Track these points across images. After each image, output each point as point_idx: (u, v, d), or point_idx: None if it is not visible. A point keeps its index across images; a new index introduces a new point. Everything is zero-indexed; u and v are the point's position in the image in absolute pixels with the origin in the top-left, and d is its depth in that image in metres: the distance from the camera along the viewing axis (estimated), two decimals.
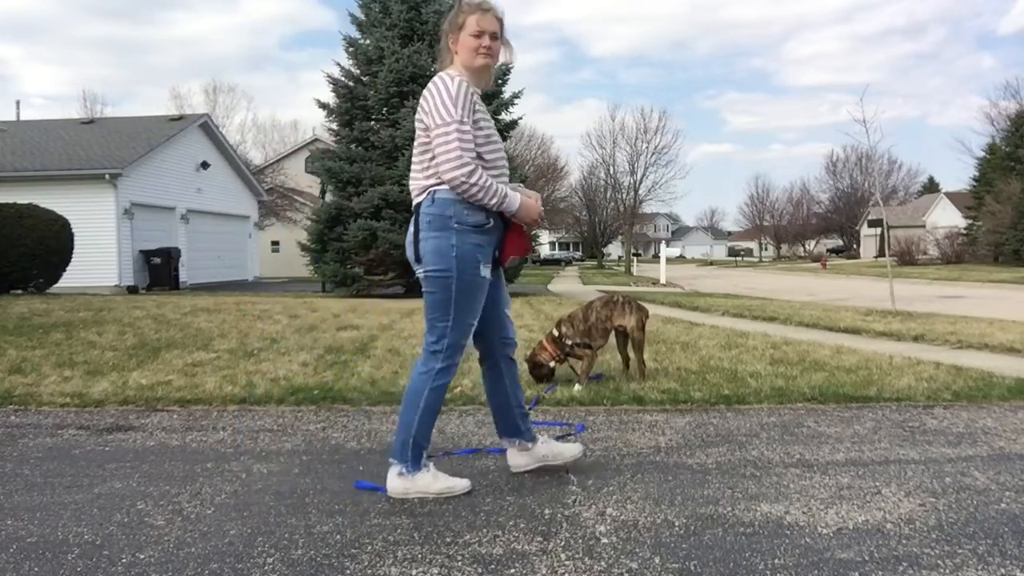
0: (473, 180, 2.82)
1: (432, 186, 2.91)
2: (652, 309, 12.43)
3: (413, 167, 3.03)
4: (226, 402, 4.76)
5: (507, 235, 3.00)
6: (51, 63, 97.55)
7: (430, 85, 2.91)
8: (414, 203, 2.99)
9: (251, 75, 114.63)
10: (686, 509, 2.82)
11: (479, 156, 2.88)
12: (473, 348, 3.29)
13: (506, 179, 3.01)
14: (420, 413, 2.95)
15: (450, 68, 2.99)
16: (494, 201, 2.86)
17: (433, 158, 2.89)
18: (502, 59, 3.09)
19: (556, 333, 5.05)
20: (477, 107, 2.91)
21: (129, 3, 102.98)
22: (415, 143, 3.03)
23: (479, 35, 2.93)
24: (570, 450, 3.28)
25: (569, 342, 5.00)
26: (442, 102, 2.85)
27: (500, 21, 2.99)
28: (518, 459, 3.23)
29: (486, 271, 2.95)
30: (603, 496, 2.97)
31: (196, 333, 7.95)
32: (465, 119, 2.83)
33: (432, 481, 2.93)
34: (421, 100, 2.96)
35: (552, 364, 5.05)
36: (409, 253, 3.00)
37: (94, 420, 4.36)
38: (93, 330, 8.12)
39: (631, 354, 5.33)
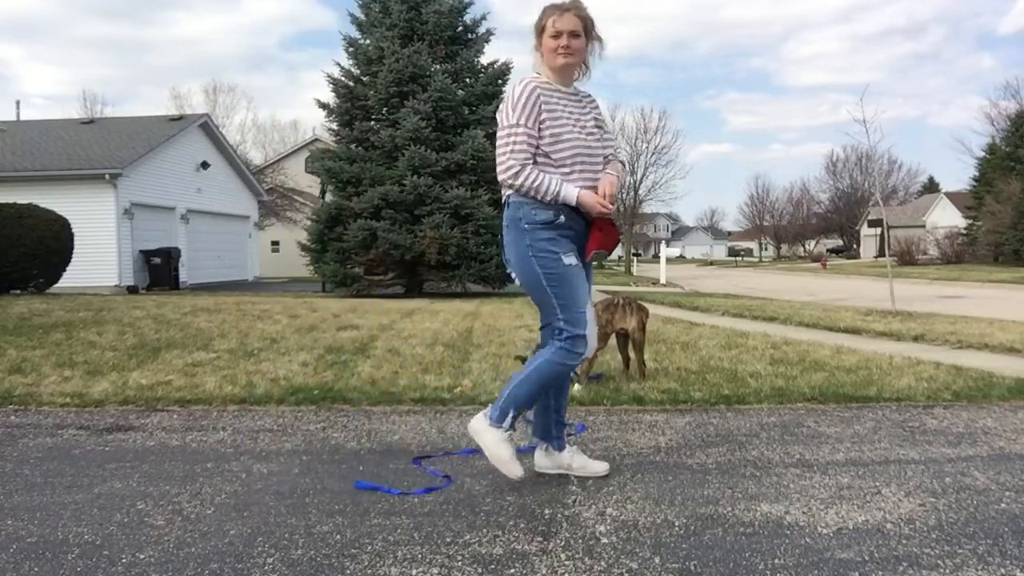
0: (519, 181, 2.95)
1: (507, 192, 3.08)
2: (652, 309, 12.43)
3: None
4: (226, 402, 4.76)
5: (591, 229, 3.05)
6: (51, 63, 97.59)
7: (506, 89, 3.16)
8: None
9: (251, 75, 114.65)
10: (686, 509, 2.82)
11: (546, 156, 2.98)
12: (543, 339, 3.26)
13: (591, 173, 3.04)
14: (531, 382, 3.00)
15: (535, 70, 3.12)
16: (548, 198, 2.95)
17: None
18: (591, 54, 3.13)
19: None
20: (547, 108, 2.99)
21: (129, 3, 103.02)
22: None
23: (557, 36, 3.01)
24: (596, 467, 3.26)
25: None
26: (505, 107, 3.00)
27: (582, 19, 3.06)
28: (542, 460, 3.27)
29: (570, 259, 2.99)
30: (603, 496, 2.97)
31: (196, 333, 7.95)
32: (522, 122, 2.94)
33: (495, 444, 2.98)
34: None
35: None
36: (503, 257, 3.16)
37: (94, 420, 4.36)
38: (93, 330, 8.12)
39: (631, 354, 5.33)
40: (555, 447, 3.23)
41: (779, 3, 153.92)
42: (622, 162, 3.24)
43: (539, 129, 2.97)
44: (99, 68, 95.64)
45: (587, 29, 3.08)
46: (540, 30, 3.07)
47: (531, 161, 2.98)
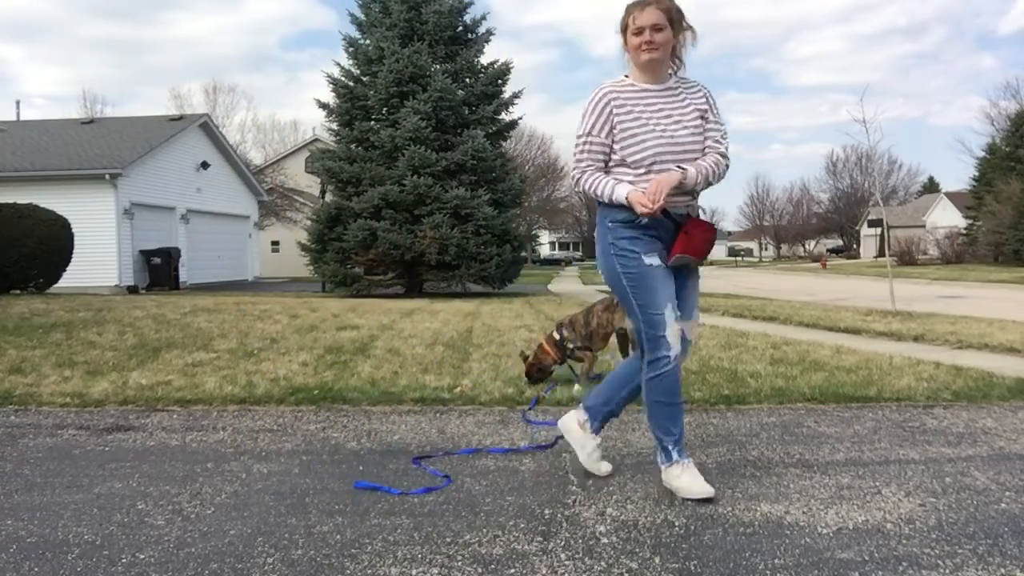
0: (580, 187, 3.08)
1: None
2: None
3: None
4: (226, 402, 4.76)
5: (678, 233, 3.01)
6: (53, 63, 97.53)
7: None
8: None
9: (252, 75, 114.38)
10: (686, 509, 2.82)
11: (621, 160, 3.00)
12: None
13: (669, 168, 2.97)
14: (653, 404, 3.02)
15: (625, 72, 3.12)
16: (604, 199, 3.00)
17: None
18: (681, 45, 3.09)
19: (557, 336, 5.07)
20: (621, 111, 2.99)
21: (131, 4, 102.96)
22: None
23: (639, 32, 2.97)
24: (604, 466, 3.28)
25: (570, 345, 5.03)
26: (581, 115, 3.07)
27: (665, 11, 2.99)
28: (572, 424, 3.30)
29: (652, 259, 2.96)
30: (603, 496, 2.97)
31: (196, 333, 7.95)
32: (587, 131, 3.01)
33: (692, 480, 2.95)
34: None
35: (553, 367, 5.10)
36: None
37: (94, 420, 4.36)
38: (93, 330, 8.12)
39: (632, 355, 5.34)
40: (592, 428, 3.25)
41: (779, 3, 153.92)
42: (721, 154, 3.07)
43: (612, 135, 3.00)
44: (100, 68, 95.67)
45: (672, 20, 3.00)
46: (623, 29, 3.04)
47: (596, 167, 3.03)
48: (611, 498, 2.95)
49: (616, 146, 3.00)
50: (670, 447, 3.00)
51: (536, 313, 11.07)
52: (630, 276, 2.97)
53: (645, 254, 2.96)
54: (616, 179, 2.99)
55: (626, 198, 2.91)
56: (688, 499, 2.90)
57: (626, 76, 3.09)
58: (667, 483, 3.01)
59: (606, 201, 2.98)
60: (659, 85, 3.06)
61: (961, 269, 30.40)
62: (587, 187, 3.03)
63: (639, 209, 2.87)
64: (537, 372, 5.07)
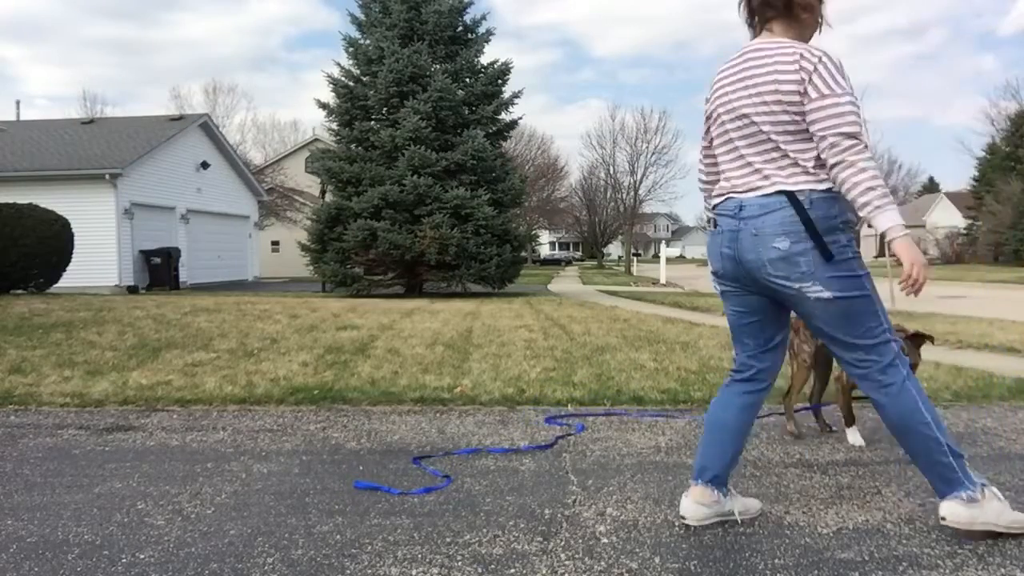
0: (859, 164, 2.41)
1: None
2: (652, 309, 12.47)
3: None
4: (226, 402, 4.76)
5: None
6: (55, 64, 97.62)
7: (814, 59, 2.43)
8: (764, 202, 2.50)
9: (254, 75, 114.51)
10: None
11: None
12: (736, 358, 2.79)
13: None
14: (934, 425, 2.44)
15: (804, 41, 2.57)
16: (874, 205, 2.41)
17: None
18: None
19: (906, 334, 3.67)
20: None
21: (133, 4, 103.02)
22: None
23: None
24: (754, 505, 2.78)
25: (806, 348, 3.84)
26: (828, 73, 2.42)
27: None
28: (701, 510, 2.65)
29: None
30: (603, 496, 2.97)
31: (196, 333, 7.95)
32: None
33: (1001, 511, 2.45)
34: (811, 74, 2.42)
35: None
36: (764, 270, 2.50)
37: (94, 420, 4.36)
38: (93, 330, 8.12)
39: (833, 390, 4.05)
40: (723, 493, 2.68)
41: None
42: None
43: None
44: (102, 69, 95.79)
45: None
46: None
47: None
48: (611, 498, 2.95)
49: None
50: (970, 471, 2.47)
51: (536, 313, 11.07)
52: (869, 280, 2.49)
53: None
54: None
55: (890, 230, 2.37)
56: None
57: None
58: (987, 522, 2.43)
59: (871, 203, 2.34)
60: None
61: (961, 269, 30.39)
62: (863, 164, 2.34)
63: (907, 262, 2.38)
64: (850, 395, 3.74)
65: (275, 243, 34.81)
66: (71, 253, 15.72)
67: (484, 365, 5.88)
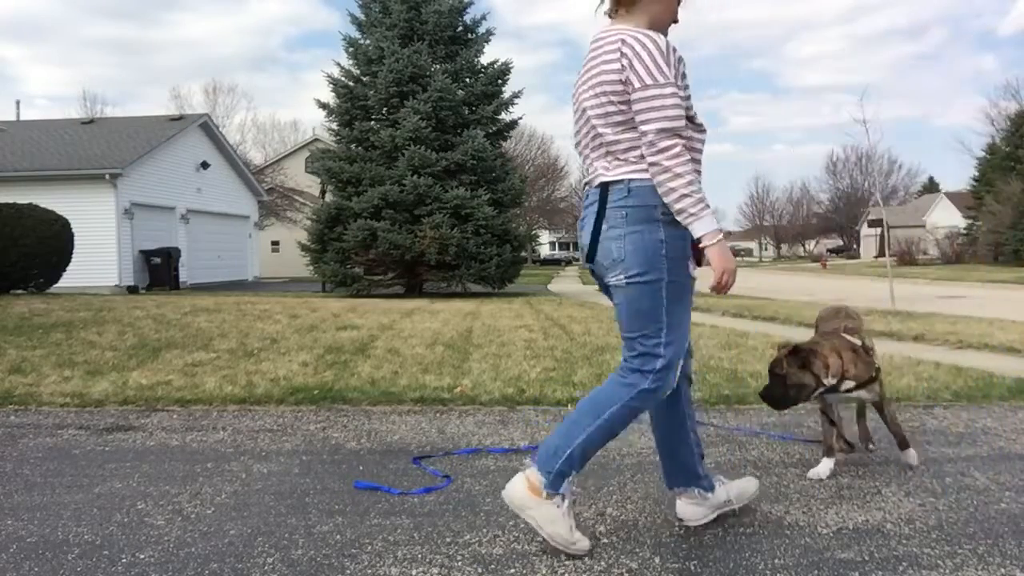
0: (670, 159, 2.33)
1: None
2: None
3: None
4: (226, 402, 4.76)
5: None
6: (55, 64, 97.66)
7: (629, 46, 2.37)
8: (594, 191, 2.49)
9: (254, 76, 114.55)
10: None
11: (690, 120, 2.49)
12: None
13: None
14: (594, 428, 2.40)
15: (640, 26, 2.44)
16: (684, 207, 2.33)
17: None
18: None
19: (855, 340, 3.24)
20: (682, 68, 2.44)
21: (133, 4, 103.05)
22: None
23: None
24: (751, 485, 2.76)
25: (877, 362, 3.26)
26: (648, 57, 2.33)
27: None
28: (693, 510, 2.63)
29: (694, 269, 2.46)
30: (603, 496, 2.97)
31: (196, 333, 7.94)
32: (675, 81, 2.36)
33: (552, 520, 2.37)
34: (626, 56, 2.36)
35: (827, 381, 3.07)
36: (592, 256, 2.49)
37: (94, 420, 4.36)
38: (93, 330, 8.12)
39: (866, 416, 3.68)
40: (705, 487, 2.63)
41: (781, 4, 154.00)
42: None
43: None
44: (102, 69, 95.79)
45: None
46: None
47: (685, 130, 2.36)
48: (611, 498, 2.95)
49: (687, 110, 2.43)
50: (568, 481, 2.40)
51: (536, 313, 11.07)
52: (675, 287, 2.39)
53: (691, 261, 2.43)
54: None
55: (704, 236, 2.31)
56: (549, 540, 2.41)
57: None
58: (534, 517, 2.39)
59: (686, 211, 2.29)
60: None
61: (961, 269, 30.39)
62: (679, 170, 2.28)
63: (717, 269, 2.34)
64: (786, 396, 3.07)
65: (275, 243, 34.83)
66: (71, 253, 15.73)
67: (484, 365, 5.88)
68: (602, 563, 2.36)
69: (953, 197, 55.36)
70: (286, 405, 4.68)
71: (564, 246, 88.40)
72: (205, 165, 24.70)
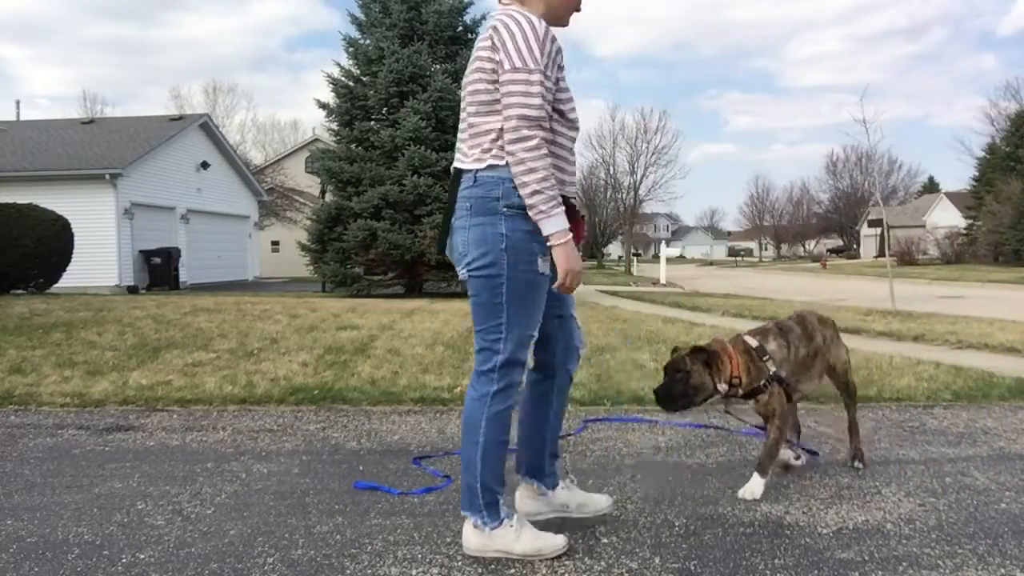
0: (524, 151, 2.27)
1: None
2: (652, 309, 12.47)
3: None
4: (226, 402, 4.76)
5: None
6: (55, 64, 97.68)
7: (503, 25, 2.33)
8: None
9: (255, 76, 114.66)
10: (686, 509, 2.82)
11: (561, 115, 2.45)
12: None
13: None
14: (481, 450, 2.39)
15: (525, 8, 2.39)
16: (535, 203, 2.28)
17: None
18: None
19: (754, 343, 3.01)
20: (559, 57, 2.39)
21: (134, 5, 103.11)
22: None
23: None
24: (599, 501, 2.73)
25: (773, 369, 2.97)
26: (520, 38, 2.29)
27: None
28: (531, 504, 2.66)
29: (545, 265, 2.36)
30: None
31: (196, 333, 7.94)
32: (545, 68, 2.30)
33: (515, 540, 2.38)
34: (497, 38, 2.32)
35: (720, 387, 2.93)
36: (451, 246, 2.46)
37: (94, 420, 4.36)
38: (93, 330, 8.12)
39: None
40: (548, 485, 2.67)
41: (781, 4, 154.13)
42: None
43: (552, 85, 2.34)
44: (103, 69, 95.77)
45: None
46: None
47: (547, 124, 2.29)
48: (611, 498, 2.95)
49: (559, 101, 2.39)
50: (502, 500, 2.42)
51: None
52: (516, 282, 2.32)
53: (541, 257, 2.34)
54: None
55: (552, 236, 2.26)
56: (527, 558, 2.38)
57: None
58: (499, 550, 2.37)
59: (536, 207, 2.24)
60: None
61: (961, 269, 30.39)
62: (534, 164, 2.22)
63: (561, 270, 2.29)
64: (685, 395, 2.92)
65: (275, 243, 34.80)
66: (71, 253, 15.72)
67: None
68: (602, 563, 2.36)
69: (953, 197, 55.32)
70: (286, 405, 4.68)
71: None
72: (205, 165, 24.69)
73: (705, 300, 14.26)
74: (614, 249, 77.73)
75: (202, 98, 45.33)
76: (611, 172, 52.73)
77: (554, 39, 2.33)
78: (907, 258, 37.23)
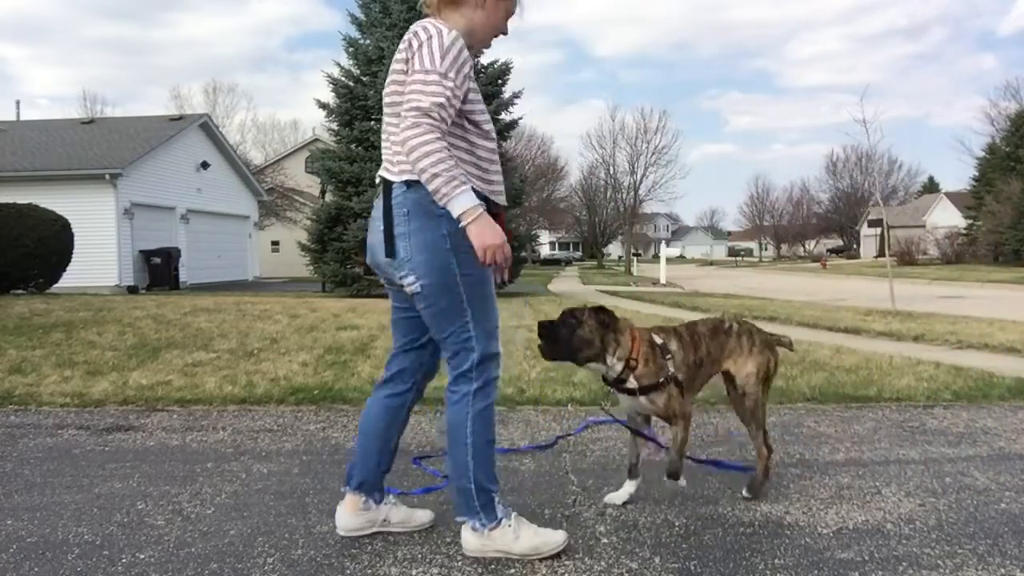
0: (415, 143, 2.22)
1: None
2: (652, 309, 12.46)
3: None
4: (226, 402, 4.76)
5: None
6: (56, 64, 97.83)
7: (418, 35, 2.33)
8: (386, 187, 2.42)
9: (255, 76, 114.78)
10: (686, 509, 2.82)
11: (475, 125, 2.42)
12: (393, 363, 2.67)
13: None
14: (472, 450, 2.38)
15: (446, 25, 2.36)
16: (437, 189, 2.22)
17: None
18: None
19: (660, 340, 2.83)
20: (471, 73, 2.39)
21: (134, 5, 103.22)
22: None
23: (514, 8, 2.53)
24: (420, 516, 2.67)
25: (671, 370, 2.78)
26: (435, 47, 2.29)
27: None
28: (352, 519, 2.57)
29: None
30: (603, 496, 2.97)
31: (196, 333, 7.94)
32: (457, 79, 2.29)
33: (514, 539, 2.38)
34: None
35: (611, 361, 2.73)
36: (379, 256, 2.44)
37: (94, 420, 4.36)
38: (93, 330, 8.12)
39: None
40: (376, 500, 2.61)
41: (781, 4, 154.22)
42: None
43: (464, 99, 2.33)
44: (103, 69, 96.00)
45: None
46: None
47: (445, 131, 2.25)
48: (432, 513, 2.92)
49: (468, 107, 2.36)
50: (497, 499, 2.42)
51: (536, 313, 11.05)
52: (470, 279, 2.34)
53: None
54: (464, 175, 2.26)
55: (462, 215, 2.22)
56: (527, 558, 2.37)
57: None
58: (499, 550, 2.37)
59: (439, 191, 2.20)
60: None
61: (961, 269, 30.39)
62: (427, 147, 2.17)
63: (477, 247, 2.25)
64: (568, 344, 2.71)
65: (275, 243, 34.80)
66: (71, 253, 15.72)
67: None
68: (602, 563, 2.36)
69: (953, 197, 55.33)
70: (286, 405, 4.68)
71: (564, 246, 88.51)
72: (205, 165, 24.69)
73: (705, 300, 14.27)
74: (614, 249, 77.81)
75: (202, 98, 45.33)
76: (611, 172, 52.85)
77: (463, 49, 2.31)
78: (907, 258, 37.24)
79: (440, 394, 4.90)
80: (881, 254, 44.56)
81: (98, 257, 19.12)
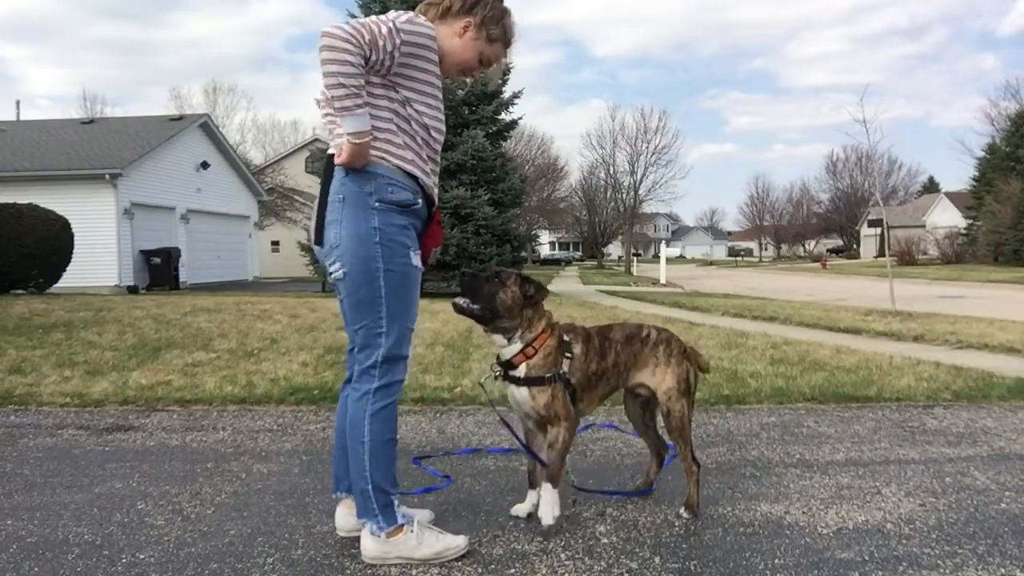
0: (332, 68, 2.19)
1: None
2: (652, 309, 12.46)
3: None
4: (226, 402, 4.76)
5: (430, 224, 2.48)
6: (56, 64, 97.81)
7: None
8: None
9: (255, 76, 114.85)
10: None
11: (403, 97, 2.37)
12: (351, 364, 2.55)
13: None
14: (368, 449, 2.34)
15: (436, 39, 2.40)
16: (346, 114, 2.21)
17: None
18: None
19: (567, 339, 2.69)
20: (435, 67, 2.42)
21: (135, 5, 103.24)
22: None
23: (490, 61, 2.56)
24: (420, 516, 2.59)
25: (564, 370, 2.62)
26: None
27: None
28: (349, 520, 2.54)
29: (417, 259, 2.40)
30: (603, 496, 2.97)
31: (196, 333, 7.94)
32: (399, 34, 2.28)
33: (416, 546, 2.35)
34: None
35: (513, 338, 2.62)
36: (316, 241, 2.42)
37: (94, 420, 4.36)
38: (93, 330, 8.12)
39: (657, 438, 3.06)
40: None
41: (782, 4, 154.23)
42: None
43: (404, 64, 2.31)
44: (103, 69, 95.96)
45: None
46: (488, 35, 2.50)
47: (364, 77, 2.23)
48: (611, 498, 2.95)
49: (405, 81, 2.33)
50: (398, 503, 2.40)
51: None
52: (393, 276, 2.32)
53: (414, 252, 2.38)
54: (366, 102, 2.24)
55: (352, 135, 2.21)
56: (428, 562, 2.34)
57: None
58: (400, 556, 2.33)
59: (340, 103, 2.17)
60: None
61: (961, 269, 30.39)
62: (328, 76, 2.16)
63: (345, 161, 2.26)
64: (485, 300, 2.57)
65: (275, 243, 34.78)
66: (71, 253, 15.72)
67: (484, 365, 5.88)
68: (602, 563, 2.36)
69: (953, 197, 55.30)
70: (286, 405, 4.68)
71: (564, 246, 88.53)
72: (205, 165, 24.68)
73: (705, 300, 14.26)
74: (614, 249, 77.77)
75: (202, 98, 45.29)
76: (611, 172, 52.79)
77: (429, 39, 2.33)
78: (907, 258, 37.23)
79: (438, 394, 4.93)
80: (881, 254, 44.57)
81: (98, 257, 19.12)
